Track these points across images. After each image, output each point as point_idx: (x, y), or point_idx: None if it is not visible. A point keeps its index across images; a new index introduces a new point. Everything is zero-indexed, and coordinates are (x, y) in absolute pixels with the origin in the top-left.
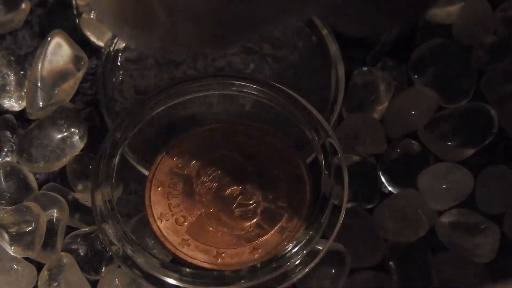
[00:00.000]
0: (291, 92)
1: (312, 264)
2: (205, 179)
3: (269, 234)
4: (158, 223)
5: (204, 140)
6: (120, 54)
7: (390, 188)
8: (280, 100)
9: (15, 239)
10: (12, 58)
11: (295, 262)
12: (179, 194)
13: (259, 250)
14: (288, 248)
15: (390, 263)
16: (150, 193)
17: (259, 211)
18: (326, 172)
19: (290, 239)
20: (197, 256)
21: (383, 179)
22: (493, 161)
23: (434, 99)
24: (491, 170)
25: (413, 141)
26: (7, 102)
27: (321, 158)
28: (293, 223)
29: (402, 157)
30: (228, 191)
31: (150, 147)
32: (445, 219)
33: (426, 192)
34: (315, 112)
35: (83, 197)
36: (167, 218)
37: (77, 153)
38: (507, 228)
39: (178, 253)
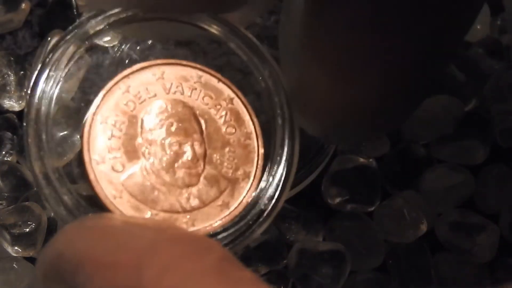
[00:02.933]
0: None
1: (241, 246)
2: (152, 124)
3: (208, 206)
4: (93, 164)
5: (160, 77)
6: (127, 55)
7: (391, 191)
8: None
9: (17, 239)
10: (12, 58)
11: (226, 243)
12: (121, 135)
13: (195, 222)
14: (224, 227)
15: (390, 263)
16: (90, 127)
17: (202, 177)
18: (278, 140)
19: (228, 217)
20: (128, 212)
21: (384, 181)
22: (494, 161)
23: (459, 106)
24: (491, 168)
25: (415, 144)
26: (7, 102)
27: (277, 122)
28: (235, 198)
29: (403, 159)
30: (174, 147)
31: None
32: (445, 219)
33: (428, 194)
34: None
35: (79, 188)
36: (103, 160)
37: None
38: (503, 226)
39: (108, 204)
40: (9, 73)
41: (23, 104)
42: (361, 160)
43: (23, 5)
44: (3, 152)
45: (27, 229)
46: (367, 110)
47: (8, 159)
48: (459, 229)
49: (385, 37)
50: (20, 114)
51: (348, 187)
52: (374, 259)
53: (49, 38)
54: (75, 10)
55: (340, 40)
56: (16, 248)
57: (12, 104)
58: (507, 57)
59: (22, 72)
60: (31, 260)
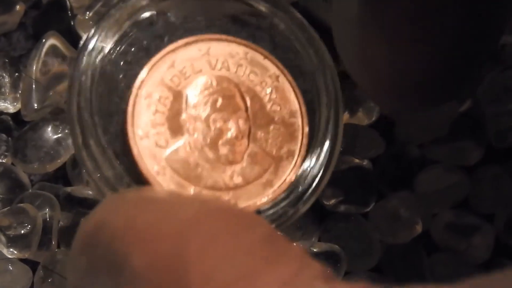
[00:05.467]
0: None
1: (285, 225)
2: (197, 100)
3: (252, 184)
4: (137, 139)
5: (206, 53)
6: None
7: (386, 192)
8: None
9: (12, 241)
10: (7, 60)
11: (274, 219)
12: (165, 111)
13: (238, 200)
14: (268, 205)
15: (385, 264)
16: (134, 101)
17: (246, 155)
18: (323, 119)
19: (272, 195)
20: (170, 188)
21: (379, 182)
22: (488, 162)
23: (454, 106)
24: (485, 169)
25: (410, 145)
26: (2, 104)
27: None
28: (279, 176)
29: (398, 160)
30: (219, 123)
31: None
32: (440, 220)
33: (423, 195)
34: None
35: (75, 191)
36: (147, 136)
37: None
38: (498, 227)
39: (151, 180)
40: (4, 75)
41: (18, 106)
42: (356, 161)
43: (18, 7)
44: None
45: (22, 231)
46: (421, 78)
47: (3, 160)
48: (454, 229)
49: (431, 14)
50: (14, 116)
51: (343, 188)
52: (369, 260)
53: (43, 40)
54: (69, 12)
55: (392, 18)
56: (11, 249)
57: (7, 106)
58: (501, 58)
59: (16, 74)
60: (27, 262)
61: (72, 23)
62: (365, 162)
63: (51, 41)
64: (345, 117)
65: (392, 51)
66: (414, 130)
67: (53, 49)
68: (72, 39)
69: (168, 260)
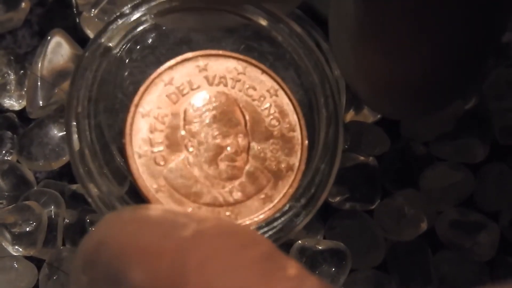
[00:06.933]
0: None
1: (284, 239)
2: (195, 117)
3: (251, 199)
4: (136, 158)
5: (203, 69)
6: (127, 54)
7: (391, 189)
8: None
9: (17, 238)
10: (12, 57)
11: (270, 236)
12: (164, 128)
13: (238, 216)
14: (267, 220)
15: (390, 261)
16: (133, 120)
17: (245, 170)
18: (323, 133)
19: (271, 210)
20: (170, 206)
21: (384, 180)
22: (493, 159)
23: (459, 104)
24: (490, 167)
25: (415, 142)
26: (7, 101)
27: (323, 118)
28: (279, 191)
29: (403, 158)
30: (217, 139)
31: None
32: (445, 218)
33: (428, 192)
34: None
35: (80, 188)
36: (146, 154)
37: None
38: (503, 224)
39: (150, 198)
40: (9, 72)
41: (23, 103)
42: (362, 158)
43: (23, 4)
44: (3, 151)
45: (28, 228)
46: (420, 84)
47: (8, 158)
48: (459, 227)
49: (432, 17)
50: (20, 113)
51: (349, 186)
52: (374, 258)
53: (49, 37)
54: (75, 9)
55: (391, 24)
56: (16, 247)
57: (12, 103)
58: (506, 55)
59: (22, 71)
60: (32, 259)
61: (78, 20)
62: (370, 160)
63: (56, 38)
64: (351, 114)
65: (392, 55)
66: (419, 127)
67: (58, 46)
68: (78, 36)
69: (168, 273)
